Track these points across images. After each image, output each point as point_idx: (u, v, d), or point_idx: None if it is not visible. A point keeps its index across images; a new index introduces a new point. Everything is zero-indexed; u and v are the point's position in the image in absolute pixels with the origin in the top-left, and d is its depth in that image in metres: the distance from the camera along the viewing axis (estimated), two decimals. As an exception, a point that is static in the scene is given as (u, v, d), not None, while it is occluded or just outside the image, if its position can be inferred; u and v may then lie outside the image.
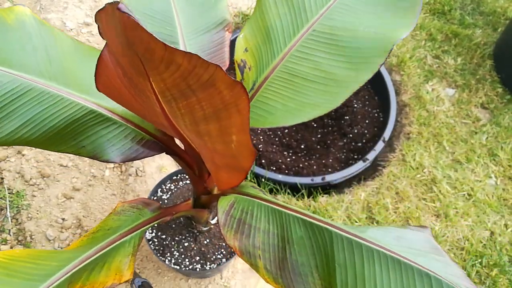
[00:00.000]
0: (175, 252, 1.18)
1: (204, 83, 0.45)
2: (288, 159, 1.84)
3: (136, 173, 1.70)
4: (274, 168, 1.80)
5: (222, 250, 1.18)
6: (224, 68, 0.94)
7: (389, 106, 1.91)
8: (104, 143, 0.80)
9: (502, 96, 2.06)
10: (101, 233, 0.77)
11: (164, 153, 0.87)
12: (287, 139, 1.92)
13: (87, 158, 1.72)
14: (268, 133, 1.93)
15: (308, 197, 1.73)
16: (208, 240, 1.20)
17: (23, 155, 1.70)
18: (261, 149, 1.83)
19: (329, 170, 1.80)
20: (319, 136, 1.95)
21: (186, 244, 1.19)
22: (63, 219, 1.61)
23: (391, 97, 1.93)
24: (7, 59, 0.75)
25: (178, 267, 1.15)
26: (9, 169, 1.69)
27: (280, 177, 1.69)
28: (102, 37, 0.48)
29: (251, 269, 1.56)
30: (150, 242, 1.19)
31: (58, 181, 1.68)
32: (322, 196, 1.73)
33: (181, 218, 1.24)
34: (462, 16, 2.34)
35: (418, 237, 0.66)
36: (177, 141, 0.85)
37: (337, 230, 0.65)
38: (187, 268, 1.15)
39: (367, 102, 2.03)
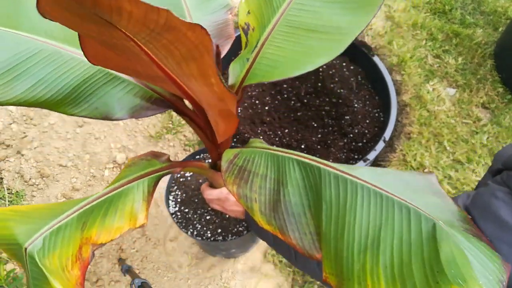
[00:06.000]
0: (197, 224, 1.20)
1: (163, 26, 0.47)
2: (288, 159, 1.84)
3: (136, 173, 1.70)
4: (274, 168, 1.79)
5: (243, 223, 1.20)
6: (232, 40, 0.94)
7: (390, 106, 1.91)
8: (115, 103, 0.82)
9: (503, 96, 2.06)
10: (112, 184, 0.80)
11: (173, 110, 0.89)
12: (287, 139, 1.92)
13: (86, 158, 1.71)
14: (268, 133, 1.92)
15: (308, 197, 1.72)
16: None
17: (23, 155, 1.70)
18: (261, 149, 1.82)
19: (330, 170, 1.79)
20: (319, 136, 1.95)
21: (208, 217, 1.22)
22: (62, 219, 1.60)
23: (392, 97, 1.92)
24: (18, 23, 0.77)
25: (200, 238, 1.17)
26: (9, 169, 1.68)
27: (280, 177, 1.69)
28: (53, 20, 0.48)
29: (252, 270, 1.55)
30: (173, 216, 1.22)
31: (58, 181, 1.67)
32: (323, 196, 1.72)
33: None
34: (463, 16, 2.33)
35: (418, 179, 0.65)
36: (186, 103, 0.86)
37: (325, 167, 0.66)
38: (209, 240, 1.17)
39: (368, 102, 2.02)
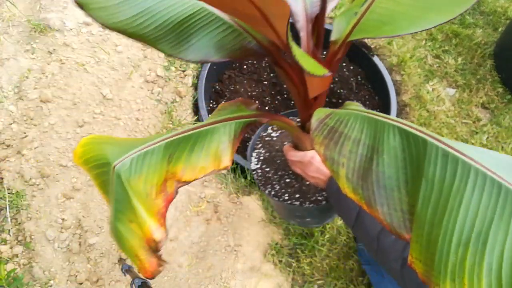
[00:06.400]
0: (276, 185, 1.18)
1: None
2: (288, 159, 1.84)
3: (136, 173, 1.70)
4: (274, 168, 1.79)
5: (323, 193, 1.16)
6: None
7: (390, 106, 1.91)
8: (214, 45, 0.81)
9: (503, 96, 2.06)
10: (200, 124, 0.80)
11: (270, 61, 0.87)
12: (287, 139, 1.92)
13: (87, 158, 1.72)
14: (268, 133, 1.93)
15: (308, 197, 1.72)
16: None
17: (23, 155, 1.70)
18: (261, 149, 1.82)
19: (329, 170, 1.79)
20: (319, 136, 1.95)
21: (288, 180, 1.19)
22: (62, 219, 1.61)
23: (392, 97, 1.92)
24: None
25: (277, 199, 1.15)
26: (9, 169, 1.69)
27: (280, 177, 1.69)
28: None
29: (251, 269, 1.56)
30: (254, 172, 1.20)
31: (58, 181, 1.67)
32: (322, 196, 1.73)
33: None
34: (463, 16, 2.33)
35: None
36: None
37: (433, 141, 0.57)
38: (286, 202, 1.15)
39: (368, 102, 2.02)
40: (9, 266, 1.51)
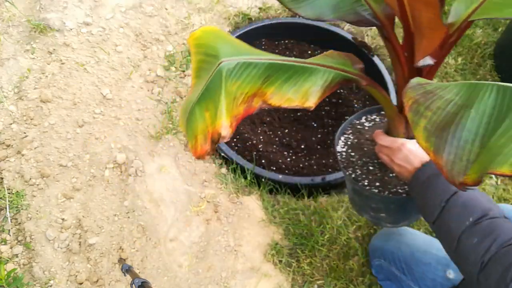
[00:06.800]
0: (358, 170, 1.18)
1: None
2: (288, 159, 1.84)
3: (136, 173, 1.70)
4: (274, 168, 1.79)
5: (405, 187, 1.13)
6: None
7: (390, 106, 1.91)
8: (330, 6, 0.88)
9: (503, 96, 2.06)
10: (303, 60, 0.84)
11: (378, 31, 0.92)
12: (287, 139, 1.92)
13: (86, 158, 1.71)
14: (268, 133, 1.93)
15: (308, 197, 1.72)
16: (394, 174, 1.16)
17: (23, 155, 1.70)
18: (261, 149, 1.82)
19: (330, 170, 1.79)
20: (319, 136, 1.95)
21: (371, 168, 1.18)
22: (62, 219, 1.61)
23: (392, 97, 1.92)
24: None
25: (356, 182, 1.15)
26: (9, 169, 1.69)
27: (280, 177, 1.69)
28: None
29: (252, 270, 1.56)
30: (339, 154, 1.22)
31: (58, 181, 1.67)
32: (323, 196, 1.73)
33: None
34: (463, 16, 2.33)
35: None
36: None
37: None
38: (365, 187, 1.14)
39: (368, 102, 2.03)
40: (9, 266, 1.51)
